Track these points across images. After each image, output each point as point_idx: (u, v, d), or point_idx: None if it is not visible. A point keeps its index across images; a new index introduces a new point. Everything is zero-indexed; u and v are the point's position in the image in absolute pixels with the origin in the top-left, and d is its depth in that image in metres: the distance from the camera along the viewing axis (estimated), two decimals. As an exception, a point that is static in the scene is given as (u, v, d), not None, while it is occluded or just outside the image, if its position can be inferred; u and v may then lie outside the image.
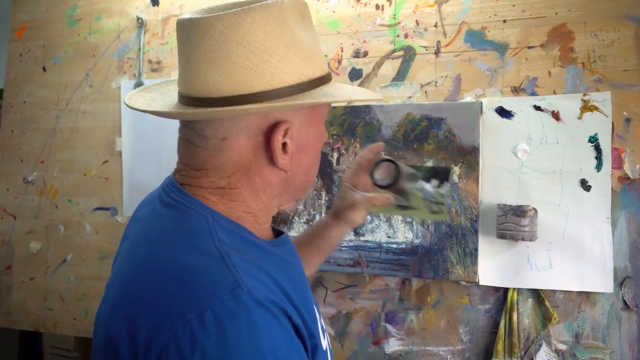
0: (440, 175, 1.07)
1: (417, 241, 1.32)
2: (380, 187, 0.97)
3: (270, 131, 0.62)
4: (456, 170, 1.30)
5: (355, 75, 1.44)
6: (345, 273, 1.39)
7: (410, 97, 1.38)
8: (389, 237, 1.35)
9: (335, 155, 1.41)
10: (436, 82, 1.36)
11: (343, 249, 1.38)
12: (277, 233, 0.73)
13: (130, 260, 0.63)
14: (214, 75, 0.59)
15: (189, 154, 0.65)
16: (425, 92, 1.37)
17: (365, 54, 1.43)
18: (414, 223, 1.33)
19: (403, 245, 1.33)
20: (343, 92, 0.67)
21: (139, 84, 1.65)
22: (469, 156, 1.28)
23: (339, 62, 1.46)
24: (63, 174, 1.76)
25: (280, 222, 1.45)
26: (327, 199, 1.41)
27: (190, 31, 0.61)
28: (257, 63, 0.59)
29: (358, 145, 1.39)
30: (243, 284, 0.54)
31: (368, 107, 1.39)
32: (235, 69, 0.59)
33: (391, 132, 1.36)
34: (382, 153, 1.20)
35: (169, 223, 0.62)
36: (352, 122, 1.40)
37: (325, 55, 1.46)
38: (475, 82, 1.32)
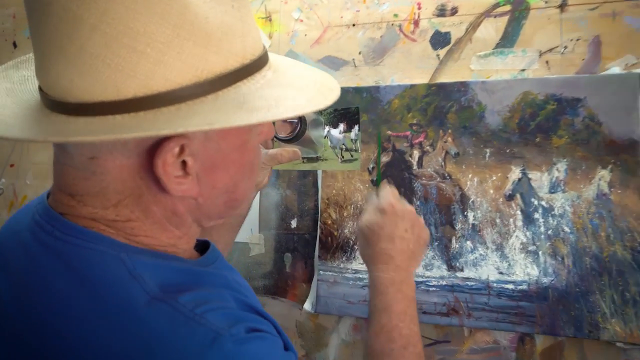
0: (348, 117, 0.98)
1: (545, 280, 0.91)
2: (283, 140, 0.87)
3: (155, 149, 0.47)
4: (605, 175, 0.89)
5: (440, 41, 1.04)
6: (433, 324, 0.98)
7: (523, 69, 0.97)
8: (501, 273, 0.94)
9: (416, 154, 1.01)
10: (563, 48, 0.95)
11: (431, 289, 0.97)
12: (203, 246, 0.61)
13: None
14: (66, 71, 0.44)
15: (59, 173, 0.52)
16: (547, 62, 0.96)
17: (454, 11, 1.03)
18: (540, 254, 0.92)
19: (524, 286, 0.92)
20: (271, 95, 0.49)
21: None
22: (625, 154, 0.88)
23: (416, 23, 1.06)
24: (38, 181, 1.38)
25: (337, 249, 1.05)
26: (403, 217, 1.00)
27: (32, 4, 0.46)
28: (124, 55, 0.43)
29: (450, 139, 0.99)
30: (219, 328, 0.45)
31: (464, 84, 0.98)
32: (94, 64, 0.43)
33: (500, 120, 0.96)
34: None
35: (67, 282, 0.47)
36: (441, 107, 1.00)
37: (396, 15, 1.07)
38: (624, 46, 0.93)
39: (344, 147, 1.00)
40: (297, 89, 0.52)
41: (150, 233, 0.52)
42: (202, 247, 0.61)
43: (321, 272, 1.06)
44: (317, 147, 0.99)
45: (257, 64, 0.50)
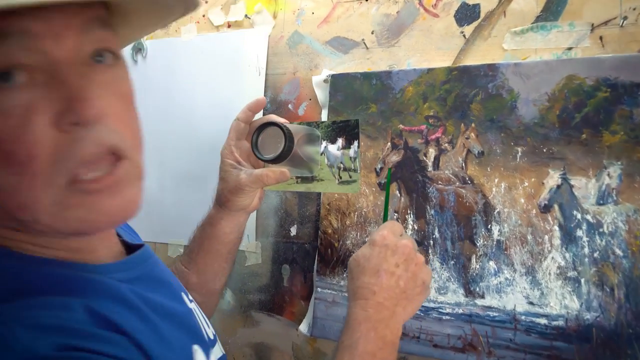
0: (347, 132, 0.86)
1: (588, 316, 0.72)
2: (266, 161, 0.78)
3: None
4: (674, 182, 0.68)
5: (467, 15, 0.86)
6: (446, 360, 0.82)
7: (569, 48, 0.78)
8: (531, 303, 0.76)
9: (432, 152, 0.84)
10: (622, 20, 0.75)
11: (445, 317, 0.81)
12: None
13: None
14: None
15: None
16: (600, 38, 0.77)
17: (485, -22, 0.85)
18: (582, 282, 0.73)
19: (560, 322, 0.74)
20: None
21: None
22: (703, 156, 0.67)
23: (439, -5, 0.89)
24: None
25: (338, 263, 0.91)
26: (417, 227, 0.84)
27: None
28: None
29: (473, 135, 0.82)
30: (16, 342, 0.38)
31: (492, 67, 0.80)
32: None
33: (536, 111, 0.77)
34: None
35: None
36: (463, 95, 0.82)
37: (415, -14, 0.90)
38: None
39: (342, 166, 0.86)
40: None
41: None
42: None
43: (319, 289, 0.92)
44: (311, 165, 0.86)
45: None
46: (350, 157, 0.86)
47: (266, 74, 1.03)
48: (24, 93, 0.39)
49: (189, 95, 1.11)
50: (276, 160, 0.77)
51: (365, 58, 0.95)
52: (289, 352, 0.98)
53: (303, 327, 0.94)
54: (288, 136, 0.77)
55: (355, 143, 0.84)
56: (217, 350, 0.66)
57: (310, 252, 0.96)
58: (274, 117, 0.84)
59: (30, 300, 0.42)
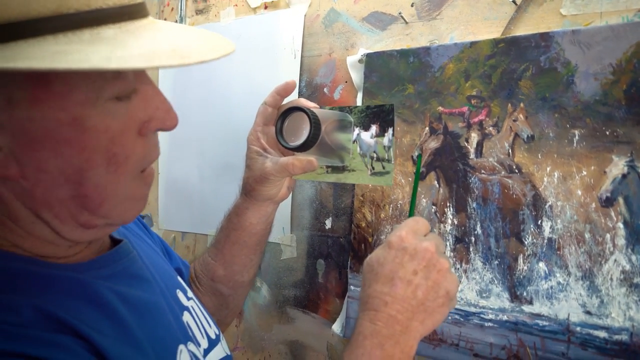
0: (381, 118, 0.76)
1: (659, 331, 0.61)
2: (291, 149, 0.72)
3: None
4: None
5: (518, -22, 0.76)
6: (489, 373, 0.73)
7: (643, 10, 0.66)
8: (589, 312, 0.66)
9: (475, 137, 0.76)
10: None
11: (487, 324, 0.72)
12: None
13: None
14: None
15: None
16: (683, -5, 0.64)
17: None
18: (651, 289, 0.62)
19: (624, 336, 0.63)
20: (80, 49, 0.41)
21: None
22: None
23: (486, -43, 0.79)
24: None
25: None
26: (457, 222, 0.76)
27: None
28: None
29: (522, 116, 0.72)
30: None
31: (545, 37, 0.70)
32: None
33: (598, 86, 0.66)
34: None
35: None
36: (511, 71, 0.73)
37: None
38: None
39: (375, 155, 0.78)
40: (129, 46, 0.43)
41: None
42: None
43: (352, 287, 0.86)
44: (342, 154, 0.79)
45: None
46: (384, 146, 0.78)
47: (302, 57, 0.98)
48: (130, 106, 0.48)
49: (226, 82, 1.09)
50: (301, 148, 0.72)
51: (404, 34, 0.87)
52: (324, 352, 0.94)
53: (336, 327, 0.89)
54: (314, 122, 0.71)
55: (390, 130, 0.76)
56: (219, 351, 0.63)
57: (345, 246, 0.91)
58: (302, 102, 0.79)
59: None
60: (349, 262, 0.88)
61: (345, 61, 0.92)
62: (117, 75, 0.45)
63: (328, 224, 0.94)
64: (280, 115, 0.75)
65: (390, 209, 0.83)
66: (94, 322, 0.47)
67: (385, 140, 0.78)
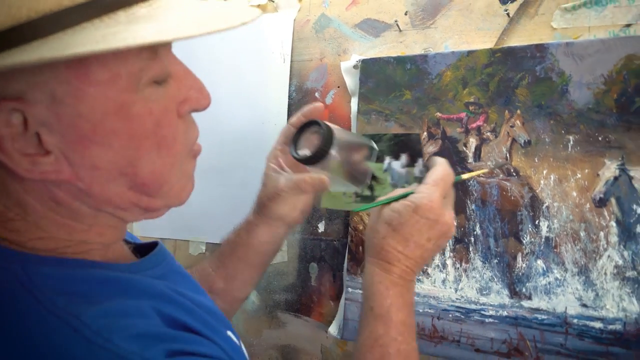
0: (410, 146, 0.78)
1: (650, 319, 0.68)
2: (302, 161, 0.70)
3: None
4: None
5: (510, -8, 0.81)
6: (490, 367, 0.78)
7: (628, 25, 0.73)
8: (585, 305, 0.72)
9: (473, 142, 0.80)
10: (690, -8, 0.70)
11: (488, 320, 0.77)
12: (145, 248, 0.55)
13: None
14: None
15: None
16: (663, 13, 0.71)
17: (531, -49, 0.80)
18: (642, 281, 0.68)
19: (617, 326, 0.69)
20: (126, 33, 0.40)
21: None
22: None
23: (479, -29, 0.84)
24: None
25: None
26: (456, 223, 0.80)
27: None
28: None
29: (519, 122, 0.77)
30: (127, 353, 0.39)
31: (540, 48, 0.76)
32: None
33: (591, 95, 0.72)
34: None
35: None
36: (508, 79, 0.78)
37: (453, -38, 0.86)
38: None
39: (406, 186, 0.76)
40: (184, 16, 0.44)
41: (42, 232, 0.46)
42: (149, 249, 0.55)
43: (350, 289, 0.88)
44: (359, 179, 0.76)
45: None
46: (415, 177, 0.79)
47: (291, 61, 1.00)
48: (167, 89, 0.47)
49: (212, 85, 1.08)
50: (311, 161, 0.69)
51: (398, 41, 0.90)
52: (317, 355, 0.95)
53: (333, 329, 0.91)
54: (326, 135, 0.68)
55: (420, 161, 0.77)
56: None
57: (340, 249, 0.93)
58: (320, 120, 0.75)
59: (101, 306, 0.42)
60: (345, 265, 0.90)
61: (337, 66, 0.95)
62: (153, 57, 0.45)
63: (321, 227, 0.96)
64: (299, 129, 0.74)
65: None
66: (187, 318, 0.47)
67: (416, 170, 0.80)
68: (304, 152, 0.71)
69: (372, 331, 0.61)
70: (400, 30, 0.90)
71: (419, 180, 0.70)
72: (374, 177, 0.80)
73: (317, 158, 0.69)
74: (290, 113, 0.99)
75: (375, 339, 0.60)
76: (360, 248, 0.88)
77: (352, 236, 0.89)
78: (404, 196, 0.64)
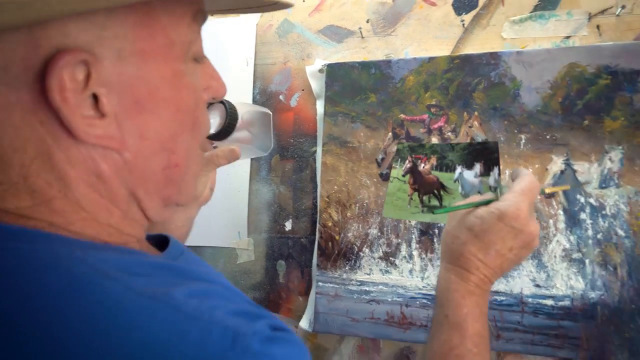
0: (485, 155, 0.77)
1: (593, 295, 0.78)
2: (213, 137, 0.75)
3: (45, 72, 0.37)
4: (671, 165, 0.75)
5: (465, 4, 0.90)
6: (455, 348, 0.85)
7: (567, 37, 0.84)
8: (538, 285, 0.81)
9: (435, 141, 0.88)
10: (620, 9, 0.81)
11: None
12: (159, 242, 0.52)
13: None
14: None
15: None
16: (597, 27, 0.83)
17: (482, -32, 0.90)
18: (586, 262, 0.79)
19: (566, 302, 0.79)
20: None
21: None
22: (697, 139, 0.74)
23: (435, -16, 0.92)
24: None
25: (340, 256, 0.92)
26: (425, 224, 0.87)
27: None
28: None
29: (476, 123, 0.85)
30: (237, 326, 0.36)
31: (494, 56, 0.85)
32: None
33: (539, 98, 0.82)
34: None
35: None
36: (465, 84, 0.86)
37: (411, -26, 0.93)
38: (694, 7, 0.78)
39: (480, 194, 0.77)
40: None
41: (83, 213, 0.42)
42: (158, 243, 0.52)
43: (320, 283, 0.93)
44: (263, 144, 0.84)
45: None
46: (490, 187, 0.80)
47: (255, 64, 1.03)
48: (201, 69, 0.47)
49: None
50: (220, 136, 0.75)
51: (360, 47, 0.97)
52: (287, 350, 0.99)
53: (303, 323, 0.95)
54: (229, 110, 0.75)
55: (496, 169, 0.77)
56: None
57: (308, 246, 0.97)
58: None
59: (180, 288, 0.39)
60: (314, 260, 0.95)
61: (301, 70, 1.00)
62: (199, 32, 0.46)
63: (288, 225, 1.00)
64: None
65: (357, 208, 0.92)
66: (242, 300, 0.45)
67: (491, 180, 0.81)
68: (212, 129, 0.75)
69: (447, 340, 0.59)
70: (362, 37, 0.96)
71: (494, 189, 0.70)
72: (442, 187, 0.82)
73: (226, 133, 0.75)
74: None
75: (450, 347, 0.59)
76: (330, 243, 0.93)
77: (322, 233, 0.94)
78: (486, 203, 0.62)
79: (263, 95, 1.03)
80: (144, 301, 0.36)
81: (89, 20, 0.38)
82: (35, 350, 0.35)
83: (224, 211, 1.01)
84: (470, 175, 0.79)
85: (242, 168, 1.02)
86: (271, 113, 0.86)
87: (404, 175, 0.88)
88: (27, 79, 0.38)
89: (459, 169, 0.79)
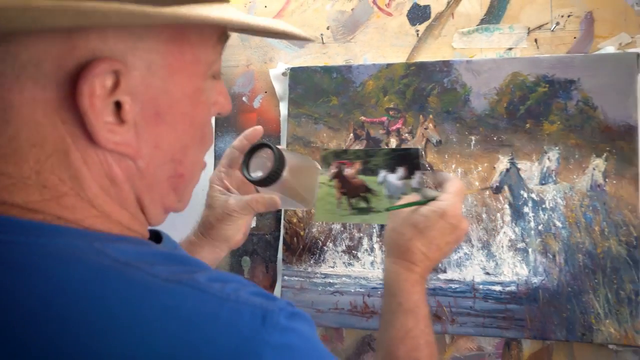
0: (408, 160, 0.84)
1: (535, 280, 0.88)
2: (256, 183, 0.74)
3: (79, 75, 0.38)
4: (600, 164, 0.86)
5: (418, 15, 0.98)
6: (413, 333, 0.92)
7: (510, 48, 0.93)
8: (488, 273, 0.90)
9: (393, 142, 0.95)
10: (554, 25, 0.92)
11: (410, 293, 0.92)
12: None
13: None
14: None
15: None
16: (535, 40, 0.93)
17: (434, -18, 0.98)
18: (529, 251, 0.88)
19: (512, 288, 0.88)
20: (238, 15, 0.44)
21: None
22: (621, 141, 0.86)
23: (391, -5, 0.99)
24: None
25: (304, 251, 0.97)
26: (378, 212, 0.94)
27: None
28: None
29: (431, 125, 0.93)
30: (263, 304, 0.39)
31: (447, 64, 0.93)
32: None
33: (487, 103, 0.91)
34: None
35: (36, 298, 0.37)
36: (421, 89, 0.94)
37: (369, -14, 1.00)
38: (618, 24, 0.90)
39: (402, 197, 0.80)
40: (272, 20, 0.49)
41: (95, 211, 0.43)
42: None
43: (285, 277, 0.98)
44: (307, 198, 0.80)
45: None
46: (413, 189, 0.87)
47: (217, 66, 1.06)
48: (213, 89, 0.50)
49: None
50: (264, 183, 0.73)
51: (321, 52, 1.02)
52: (253, 343, 1.03)
53: (270, 316, 0.99)
54: (277, 157, 0.73)
55: (417, 174, 0.84)
56: None
57: (272, 242, 1.02)
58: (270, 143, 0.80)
59: (200, 274, 0.40)
60: (280, 255, 0.99)
61: (263, 73, 1.04)
62: (221, 53, 0.48)
63: (252, 223, 1.04)
64: (248, 152, 0.77)
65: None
66: None
67: (414, 182, 0.88)
68: (257, 174, 0.74)
69: (403, 324, 0.65)
70: (323, 43, 1.02)
71: (417, 191, 0.77)
72: (368, 190, 0.88)
73: (270, 180, 0.73)
74: (216, 117, 1.05)
75: (406, 331, 0.65)
76: (295, 239, 0.98)
77: (287, 229, 0.99)
78: (427, 201, 0.70)
79: (226, 97, 1.06)
80: (172, 286, 0.38)
81: (127, 31, 0.40)
82: (67, 343, 0.36)
83: (190, 209, 1.04)
84: (394, 178, 0.85)
85: (207, 167, 1.05)
86: (320, 168, 0.84)
87: (330, 180, 0.95)
88: (57, 78, 0.39)
89: (382, 173, 0.86)
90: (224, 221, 0.77)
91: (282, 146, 0.78)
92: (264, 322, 0.38)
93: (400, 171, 0.84)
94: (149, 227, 0.55)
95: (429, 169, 0.74)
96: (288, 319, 0.39)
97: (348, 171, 0.81)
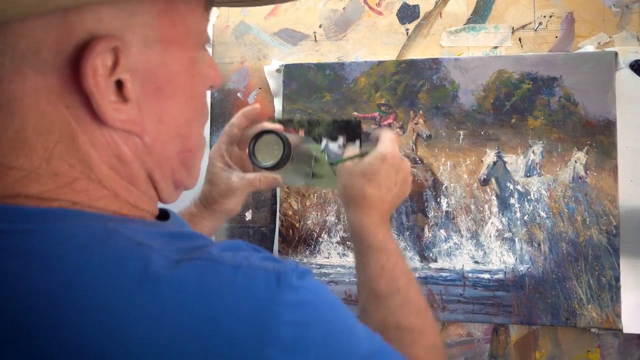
0: (348, 131, 0.87)
1: (522, 268, 0.92)
2: (265, 169, 0.81)
3: (79, 57, 0.39)
4: (581, 157, 0.91)
5: (408, 15, 1.02)
6: (405, 320, 0.96)
7: (495, 47, 0.98)
8: (476, 262, 0.94)
9: (385, 137, 0.99)
10: (537, 25, 0.97)
11: (402, 282, 0.96)
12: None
13: None
14: None
15: None
16: (519, 39, 0.97)
17: (422, -17, 1.02)
18: (515, 241, 0.93)
19: (500, 275, 0.93)
20: None
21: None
22: (601, 135, 0.91)
23: (382, -5, 1.03)
24: None
25: (300, 242, 1.01)
26: (371, 205, 0.98)
27: None
28: None
29: (421, 120, 0.98)
30: (276, 267, 0.40)
31: (436, 61, 0.97)
32: None
33: (474, 99, 0.96)
34: (273, 120, 0.89)
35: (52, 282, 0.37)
36: (411, 85, 0.98)
37: (360, -15, 1.04)
38: (597, 24, 0.95)
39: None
40: None
41: (105, 190, 0.44)
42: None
43: (282, 268, 1.01)
44: (304, 176, 0.88)
45: None
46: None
47: (212, 63, 1.09)
48: (205, 60, 0.50)
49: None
50: (274, 168, 0.81)
51: (314, 50, 1.06)
52: (249, 334, 1.06)
53: (266, 307, 1.02)
54: (287, 144, 0.80)
55: (357, 142, 0.87)
56: None
57: (268, 235, 1.05)
58: (268, 125, 0.85)
59: (211, 247, 0.41)
60: (276, 247, 1.03)
61: (258, 69, 1.07)
62: (208, 21, 0.49)
63: (248, 215, 1.07)
64: (253, 138, 0.81)
65: (315, 197, 1.01)
66: None
67: (355, 148, 0.91)
68: (265, 160, 0.81)
69: (376, 262, 0.68)
70: (316, 41, 1.05)
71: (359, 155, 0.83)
72: (311, 156, 0.93)
73: (281, 166, 0.80)
74: (212, 112, 1.08)
75: (381, 267, 0.68)
76: (291, 231, 1.02)
77: (283, 221, 1.02)
78: (363, 154, 0.76)
79: (221, 93, 1.09)
80: (185, 262, 0.38)
81: (120, 7, 0.40)
82: (87, 325, 0.36)
83: (185, 202, 1.06)
84: (335, 147, 0.88)
85: (202, 160, 1.07)
86: (314, 153, 0.89)
87: None
88: (57, 63, 0.39)
89: (324, 141, 0.89)
90: (227, 197, 0.81)
91: (278, 127, 0.83)
92: (279, 284, 0.39)
93: (340, 140, 0.88)
94: (160, 206, 0.55)
95: (369, 139, 0.81)
96: (300, 278, 0.40)
97: (292, 137, 0.86)
